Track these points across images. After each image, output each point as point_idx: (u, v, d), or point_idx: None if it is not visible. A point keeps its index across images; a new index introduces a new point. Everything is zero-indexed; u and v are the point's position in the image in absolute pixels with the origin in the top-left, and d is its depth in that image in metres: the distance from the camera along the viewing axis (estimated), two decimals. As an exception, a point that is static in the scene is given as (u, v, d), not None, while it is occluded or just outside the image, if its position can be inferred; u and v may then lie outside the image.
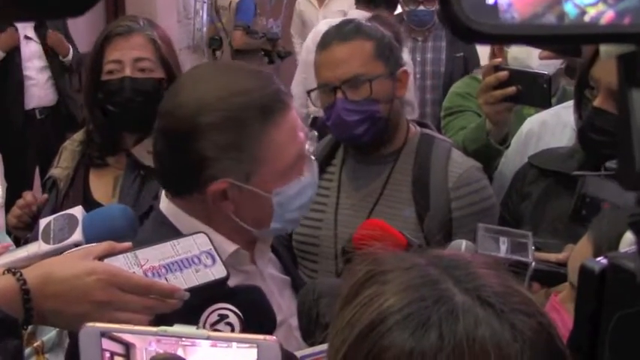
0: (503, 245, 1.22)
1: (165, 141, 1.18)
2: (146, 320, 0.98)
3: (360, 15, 2.83)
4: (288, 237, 1.66)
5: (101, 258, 1.01)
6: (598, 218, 1.08)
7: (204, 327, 1.02)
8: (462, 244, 1.26)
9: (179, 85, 1.22)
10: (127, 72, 1.75)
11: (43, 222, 1.18)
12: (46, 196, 1.82)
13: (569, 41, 0.37)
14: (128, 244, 1.04)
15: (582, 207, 1.38)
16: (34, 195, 1.84)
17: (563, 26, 0.35)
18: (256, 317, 1.08)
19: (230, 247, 1.20)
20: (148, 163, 1.80)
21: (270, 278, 1.28)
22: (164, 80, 1.78)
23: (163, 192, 1.25)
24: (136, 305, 0.98)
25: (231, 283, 1.14)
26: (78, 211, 1.20)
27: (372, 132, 1.65)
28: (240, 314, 1.04)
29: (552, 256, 1.26)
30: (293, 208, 1.20)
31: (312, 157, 1.25)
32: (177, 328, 0.83)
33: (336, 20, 1.93)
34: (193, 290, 1.01)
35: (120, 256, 1.01)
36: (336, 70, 1.64)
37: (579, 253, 1.05)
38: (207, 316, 1.04)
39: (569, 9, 0.36)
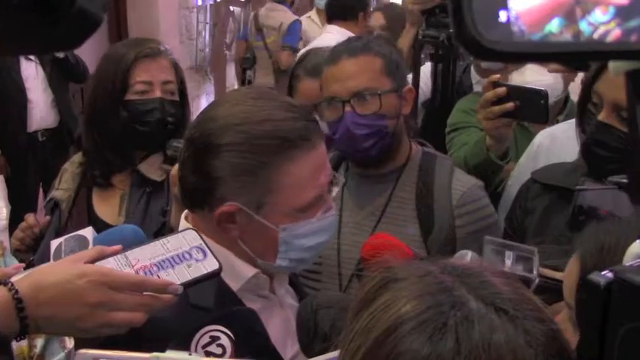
0: (509, 260, 1.22)
1: (189, 151, 1.19)
2: (142, 318, 0.98)
3: (343, 34, 2.98)
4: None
5: (92, 262, 1.00)
6: (581, 234, 1.08)
7: (195, 349, 1.01)
8: (467, 255, 1.25)
9: (216, 103, 1.25)
10: (157, 93, 1.80)
11: (54, 243, 1.19)
12: (48, 218, 1.83)
13: (582, 59, 0.37)
14: (118, 246, 1.04)
15: (580, 214, 1.38)
16: (36, 217, 1.84)
17: (576, 44, 0.36)
18: (249, 340, 1.08)
19: (250, 271, 1.19)
20: (155, 177, 1.81)
21: (289, 308, 1.27)
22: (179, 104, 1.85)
23: (182, 216, 1.25)
24: (131, 303, 0.97)
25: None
26: (88, 232, 1.20)
27: (379, 147, 1.65)
28: (233, 336, 1.03)
29: (558, 275, 1.25)
30: (299, 248, 1.17)
31: (333, 203, 1.23)
32: (170, 354, 0.83)
33: (338, 38, 1.94)
34: (187, 285, 1.01)
35: (110, 259, 1.01)
36: (346, 84, 1.64)
37: (569, 272, 1.05)
38: (199, 338, 1.03)
39: (584, 27, 0.36)
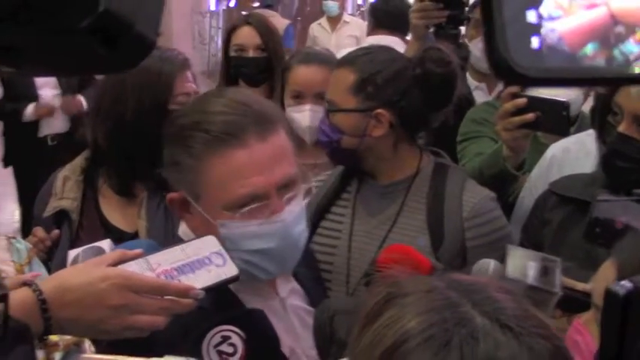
0: (531, 270, 1.21)
1: None
2: (163, 322, 0.99)
3: (376, 41, 2.84)
4: (315, 268, 1.61)
5: (114, 265, 1.01)
6: (621, 242, 1.08)
7: (207, 348, 1.03)
8: (490, 265, 1.24)
9: None
10: None
11: (71, 254, 1.21)
12: (57, 231, 1.79)
13: (614, 84, 0.37)
14: (139, 250, 1.05)
15: (596, 225, 1.37)
16: (43, 230, 1.81)
17: (609, 69, 0.36)
18: (259, 339, 1.09)
19: None
20: None
21: (292, 309, 1.27)
22: None
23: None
24: (152, 307, 0.98)
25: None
26: (106, 244, 1.21)
27: (336, 158, 1.73)
28: (244, 336, 1.04)
29: (580, 285, 1.24)
30: (243, 250, 1.15)
31: (288, 213, 1.18)
32: (169, 358, 0.83)
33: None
34: (207, 289, 1.02)
35: (132, 262, 1.02)
36: (327, 91, 1.72)
37: (603, 276, 1.05)
38: (211, 338, 1.05)
39: (617, 54, 0.36)
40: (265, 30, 2.58)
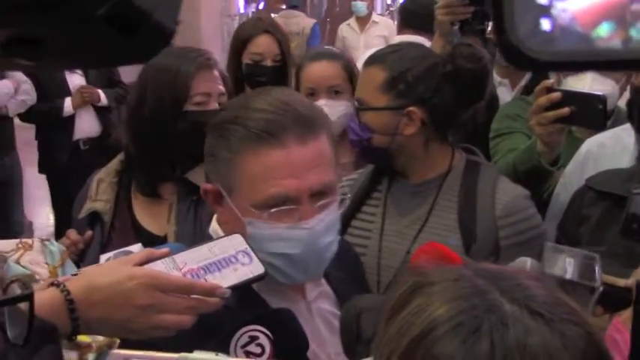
0: (570, 267, 1.18)
1: None
2: (190, 321, 0.99)
3: (405, 40, 2.82)
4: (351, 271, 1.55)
5: (141, 264, 1.02)
6: None
7: (235, 348, 1.03)
8: (527, 263, 1.22)
9: None
10: (214, 105, 1.80)
11: (103, 258, 1.22)
12: (90, 233, 1.81)
13: (629, 67, 0.35)
14: (166, 249, 1.05)
15: (633, 221, 1.34)
16: (77, 233, 1.83)
17: (623, 51, 0.33)
18: (287, 339, 1.08)
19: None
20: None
21: (318, 312, 1.25)
22: None
23: (214, 218, 1.27)
24: (179, 306, 0.98)
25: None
26: (137, 248, 1.22)
27: (366, 157, 1.72)
28: (271, 336, 1.04)
29: (622, 282, 1.21)
30: (265, 251, 1.12)
31: (316, 224, 1.15)
32: (198, 355, 0.84)
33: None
34: (234, 288, 1.02)
35: (158, 262, 1.02)
36: (357, 89, 1.74)
37: None
38: (238, 338, 1.04)
39: (634, 34, 0.34)
40: (282, 37, 2.57)
